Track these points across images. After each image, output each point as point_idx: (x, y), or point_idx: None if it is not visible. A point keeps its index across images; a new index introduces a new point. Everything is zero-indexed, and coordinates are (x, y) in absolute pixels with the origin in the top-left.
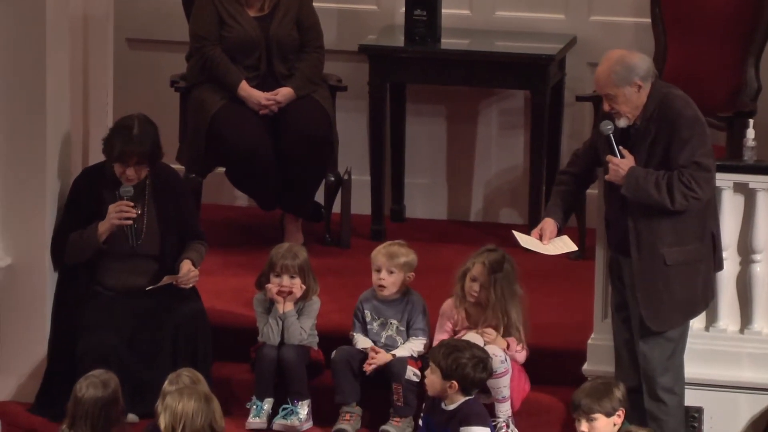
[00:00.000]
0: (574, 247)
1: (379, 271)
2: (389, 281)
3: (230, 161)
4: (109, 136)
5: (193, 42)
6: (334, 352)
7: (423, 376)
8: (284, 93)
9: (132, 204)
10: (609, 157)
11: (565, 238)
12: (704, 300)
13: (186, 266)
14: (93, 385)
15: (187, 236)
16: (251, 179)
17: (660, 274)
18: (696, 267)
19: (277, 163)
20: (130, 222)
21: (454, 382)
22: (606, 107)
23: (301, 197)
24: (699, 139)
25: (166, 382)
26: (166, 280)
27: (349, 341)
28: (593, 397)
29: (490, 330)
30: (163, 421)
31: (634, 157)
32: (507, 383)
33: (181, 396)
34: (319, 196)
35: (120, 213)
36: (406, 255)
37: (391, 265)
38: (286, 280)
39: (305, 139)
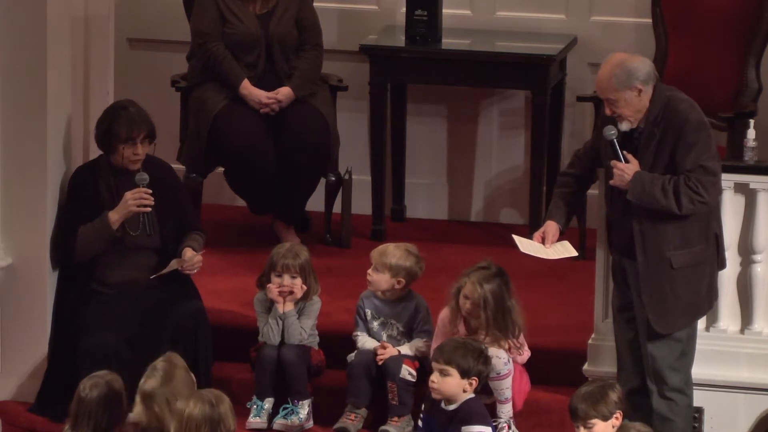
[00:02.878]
0: (574, 253)
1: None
2: (374, 278)
3: (232, 160)
4: (108, 124)
5: (196, 38)
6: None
7: (421, 377)
8: (285, 92)
9: (150, 191)
10: (614, 163)
11: (566, 243)
12: (708, 301)
13: (189, 253)
14: (96, 385)
15: (185, 228)
16: (251, 178)
17: (666, 278)
18: (701, 269)
19: (276, 164)
20: (148, 209)
21: (475, 379)
22: (608, 111)
23: (294, 202)
24: (705, 143)
25: (143, 379)
26: (173, 264)
27: (351, 341)
28: (588, 402)
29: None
30: (173, 426)
31: (638, 161)
32: (509, 385)
33: (188, 402)
34: (320, 198)
35: (139, 200)
36: (398, 258)
37: (377, 263)
38: (287, 279)
39: (303, 146)
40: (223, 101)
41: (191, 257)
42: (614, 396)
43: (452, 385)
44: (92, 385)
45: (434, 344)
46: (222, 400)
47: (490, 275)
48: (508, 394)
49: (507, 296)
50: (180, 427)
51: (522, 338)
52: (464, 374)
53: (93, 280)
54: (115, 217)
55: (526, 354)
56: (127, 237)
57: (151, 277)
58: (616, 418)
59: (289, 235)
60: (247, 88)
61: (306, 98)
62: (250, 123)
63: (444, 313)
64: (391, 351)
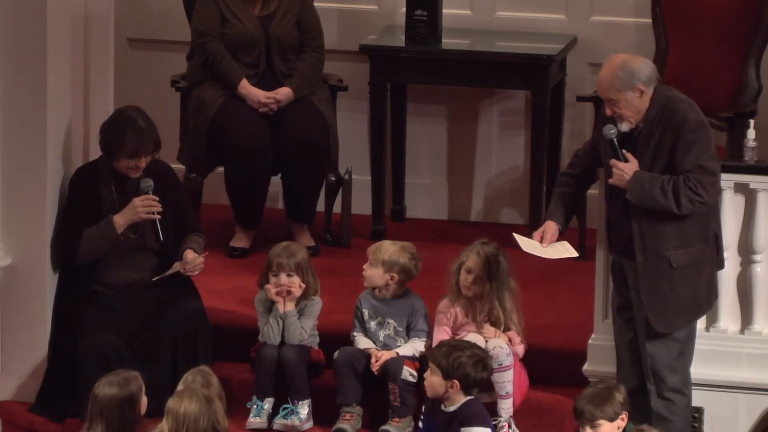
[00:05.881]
0: (574, 253)
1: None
2: (368, 273)
3: (231, 156)
4: (115, 136)
5: (196, 38)
6: (337, 352)
7: (421, 377)
8: (284, 92)
9: (157, 198)
10: (613, 162)
11: (566, 243)
12: (708, 301)
13: (191, 255)
14: (110, 383)
15: (184, 229)
16: (250, 175)
17: (665, 277)
18: (700, 268)
19: (275, 164)
20: (158, 216)
21: (456, 382)
22: (608, 111)
23: (302, 201)
24: (704, 143)
25: (180, 384)
26: (175, 266)
27: (350, 341)
28: (595, 403)
29: (488, 327)
30: (166, 426)
31: (638, 160)
32: (511, 378)
33: (182, 399)
34: (320, 198)
35: (148, 207)
36: (392, 254)
37: (372, 258)
38: (283, 278)
39: (301, 145)
40: (221, 98)
41: (193, 259)
42: (620, 397)
43: (435, 384)
44: (107, 383)
45: (435, 334)
46: (214, 399)
47: (493, 249)
48: (509, 388)
49: (508, 273)
50: (177, 424)
51: (518, 324)
52: (446, 375)
53: (93, 281)
54: (121, 221)
55: (522, 346)
56: (127, 239)
57: (153, 279)
58: (622, 419)
59: (303, 236)
60: (245, 87)
61: (305, 97)
62: (249, 119)
63: (442, 303)
64: (386, 355)
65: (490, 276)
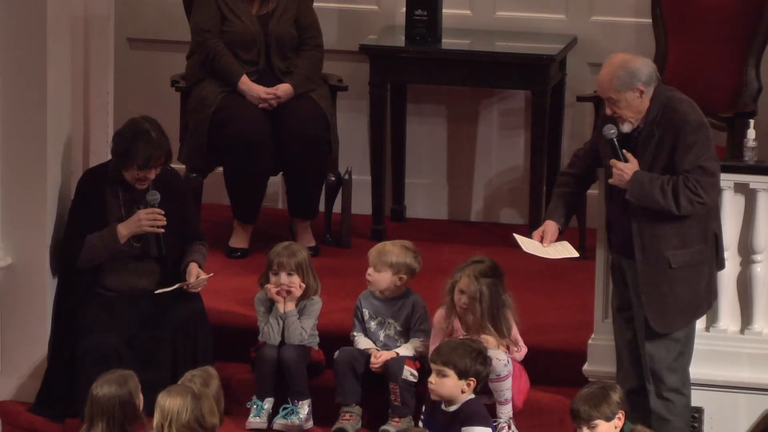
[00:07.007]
0: (575, 253)
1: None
2: (375, 278)
3: (232, 148)
4: (128, 146)
5: (196, 36)
6: (337, 352)
7: (422, 377)
8: (284, 89)
9: (163, 212)
10: (613, 162)
11: (566, 243)
12: (707, 301)
13: (195, 270)
14: (108, 382)
15: (188, 237)
16: (249, 168)
17: (665, 277)
18: (700, 269)
19: (274, 161)
20: (162, 230)
21: (473, 380)
22: (608, 111)
23: (304, 197)
24: (704, 143)
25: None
26: (179, 285)
27: (350, 341)
28: (591, 403)
29: (488, 338)
30: (155, 419)
31: (638, 161)
32: (509, 386)
33: (170, 393)
34: (320, 198)
35: (153, 221)
36: (398, 255)
37: (378, 263)
38: (283, 277)
39: (302, 139)
40: (221, 94)
41: (196, 277)
42: (616, 396)
43: (450, 387)
44: (104, 382)
45: (431, 345)
46: (205, 395)
47: (486, 269)
48: (508, 395)
49: (501, 290)
50: (162, 417)
51: (517, 334)
52: (462, 375)
53: (95, 283)
54: (124, 232)
55: (523, 350)
56: (131, 247)
57: (156, 292)
58: (619, 418)
59: (304, 234)
60: (246, 83)
61: (305, 93)
62: (249, 112)
63: (439, 314)
64: (386, 355)
65: (481, 298)
